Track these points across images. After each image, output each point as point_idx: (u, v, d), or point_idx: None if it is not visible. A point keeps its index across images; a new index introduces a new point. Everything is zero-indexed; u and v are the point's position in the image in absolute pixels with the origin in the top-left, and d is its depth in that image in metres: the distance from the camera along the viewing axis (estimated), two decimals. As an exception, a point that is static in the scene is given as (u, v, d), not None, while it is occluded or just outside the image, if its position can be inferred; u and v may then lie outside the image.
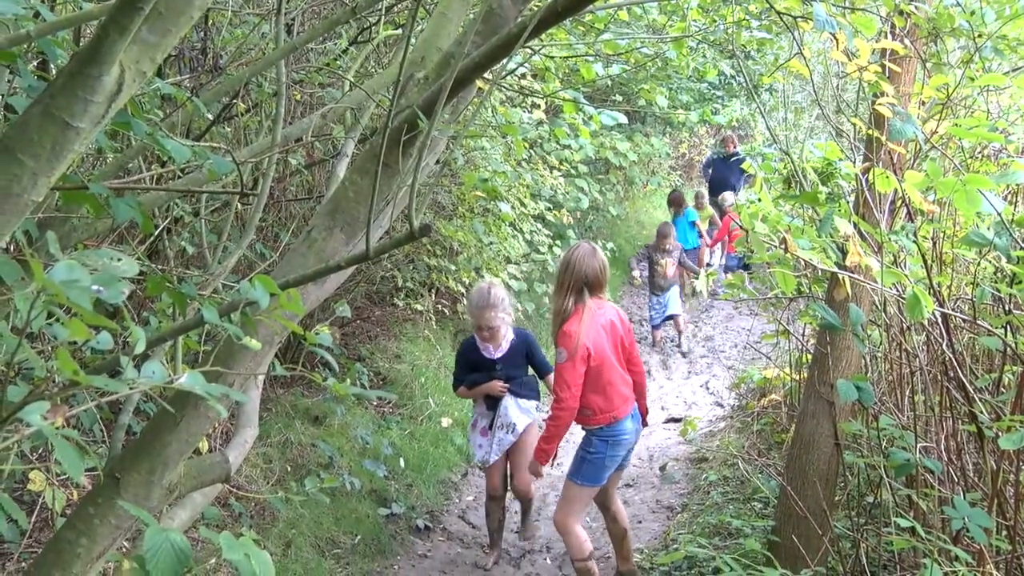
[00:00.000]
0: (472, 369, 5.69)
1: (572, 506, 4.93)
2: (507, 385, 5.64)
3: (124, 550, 3.83)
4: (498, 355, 5.66)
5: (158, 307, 3.73)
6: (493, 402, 5.71)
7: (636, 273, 11.96)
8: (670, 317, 11.03)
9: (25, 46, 2.54)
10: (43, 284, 1.38)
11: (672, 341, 11.35)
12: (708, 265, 13.46)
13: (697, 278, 10.44)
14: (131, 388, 1.67)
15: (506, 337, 5.68)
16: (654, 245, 11.09)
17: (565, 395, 4.73)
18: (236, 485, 5.25)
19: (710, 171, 14.42)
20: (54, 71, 3.65)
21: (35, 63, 3.40)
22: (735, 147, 14.22)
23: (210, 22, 5.14)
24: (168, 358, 2.86)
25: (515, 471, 5.74)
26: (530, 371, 5.85)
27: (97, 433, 4.39)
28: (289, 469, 5.90)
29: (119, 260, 1.54)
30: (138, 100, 3.25)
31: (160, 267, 4.40)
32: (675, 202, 12.72)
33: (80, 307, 1.39)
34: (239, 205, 5.19)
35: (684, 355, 10.86)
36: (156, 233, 4.52)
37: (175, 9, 1.64)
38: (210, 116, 4.60)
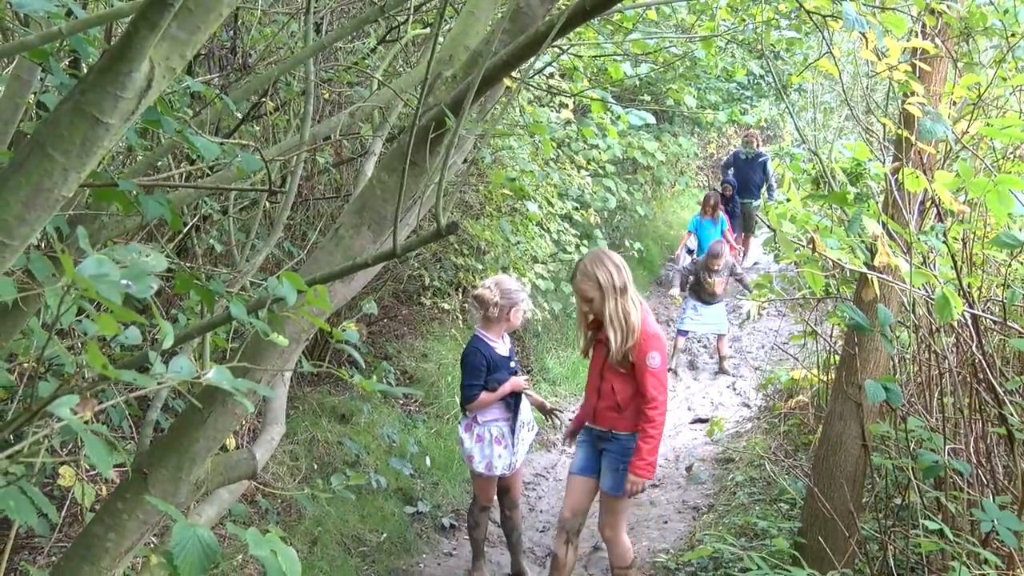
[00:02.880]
0: (490, 370, 5.18)
1: (620, 518, 4.82)
2: (530, 378, 5.33)
3: (151, 545, 3.86)
4: (507, 351, 5.31)
5: (186, 304, 3.76)
6: (510, 403, 5.24)
7: (676, 291, 10.62)
8: (684, 333, 10.28)
9: (57, 44, 2.56)
10: (73, 278, 1.40)
11: (701, 355, 10.63)
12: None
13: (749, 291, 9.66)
14: (159, 383, 1.69)
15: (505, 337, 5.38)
16: (703, 264, 10.09)
17: (663, 398, 4.58)
18: (263, 482, 5.27)
19: (730, 172, 14.02)
20: (85, 69, 3.68)
21: (67, 61, 3.42)
22: (758, 145, 13.89)
23: (239, 21, 5.16)
24: (196, 355, 2.88)
25: (514, 480, 5.40)
26: None
27: (125, 429, 4.43)
28: (315, 467, 5.93)
29: (148, 256, 1.55)
30: (168, 98, 3.27)
31: (189, 265, 4.43)
32: (714, 206, 11.91)
33: (109, 302, 1.40)
34: (267, 203, 5.21)
35: (725, 373, 10.11)
36: (185, 231, 4.55)
37: (205, 6, 1.64)
38: (239, 114, 4.62)
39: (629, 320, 4.58)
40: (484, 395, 5.14)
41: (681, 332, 10.28)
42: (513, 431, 5.25)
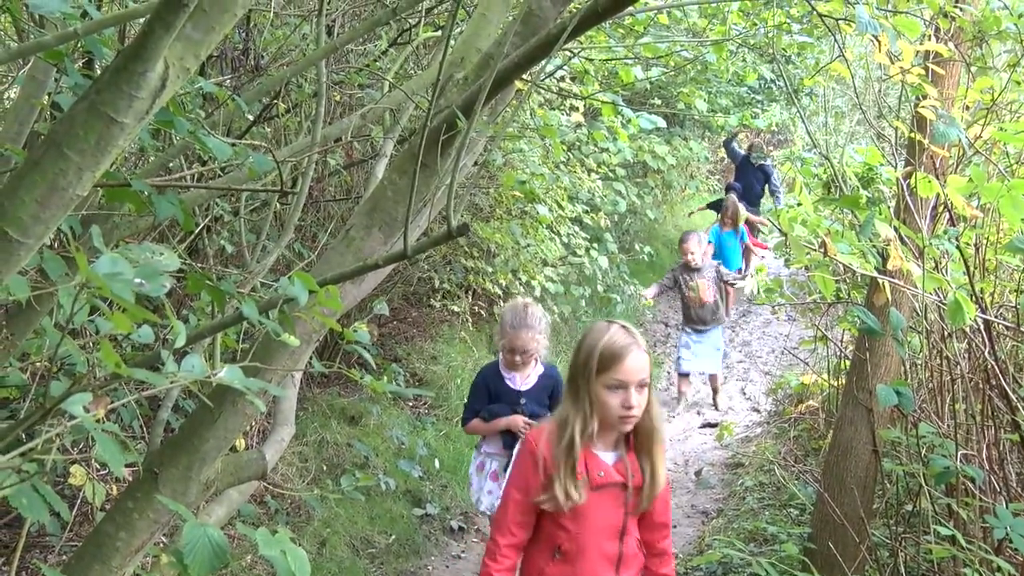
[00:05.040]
0: (492, 399, 4.82)
1: None
2: (531, 422, 4.65)
3: (161, 545, 3.87)
4: (524, 387, 4.82)
5: (197, 305, 3.77)
6: (510, 441, 4.77)
7: (649, 292, 9.04)
8: (686, 374, 8.94)
9: (72, 44, 2.57)
10: (88, 276, 1.40)
11: (689, 398, 9.18)
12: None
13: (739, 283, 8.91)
14: (171, 382, 1.69)
15: (535, 369, 4.87)
16: (681, 266, 8.82)
17: None
18: (272, 483, 5.28)
19: (735, 167, 13.63)
20: (99, 70, 3.69)
21: (81, 62, 3.44)
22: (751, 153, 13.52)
23: (252, 23, 5.18)
24: (206, 356, 2.88)
25: None
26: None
27: (136, 429, 4.44)
28: (325, 468, 5.94)
29: (161, 255, 1.55)
30: (180, 99, 3.28)
31: (200, 265, 4.44)
32: (733, 216, 11.32)
33: (123, 300, 1.41)
34: (278, 205, 5.22)
35: (718, 408, 8.95)
36: (196, 232, 4.56)
37: (219, 7, 1.65)
38: (250, 116, 4.63)
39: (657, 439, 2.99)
40: (476, 422, 4.86)
41: (682, 374, 8.97)
42: (505, 470, 4.72)
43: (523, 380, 4.83)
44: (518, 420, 4.73)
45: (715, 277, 8.73)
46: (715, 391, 9.08)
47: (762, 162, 13.46)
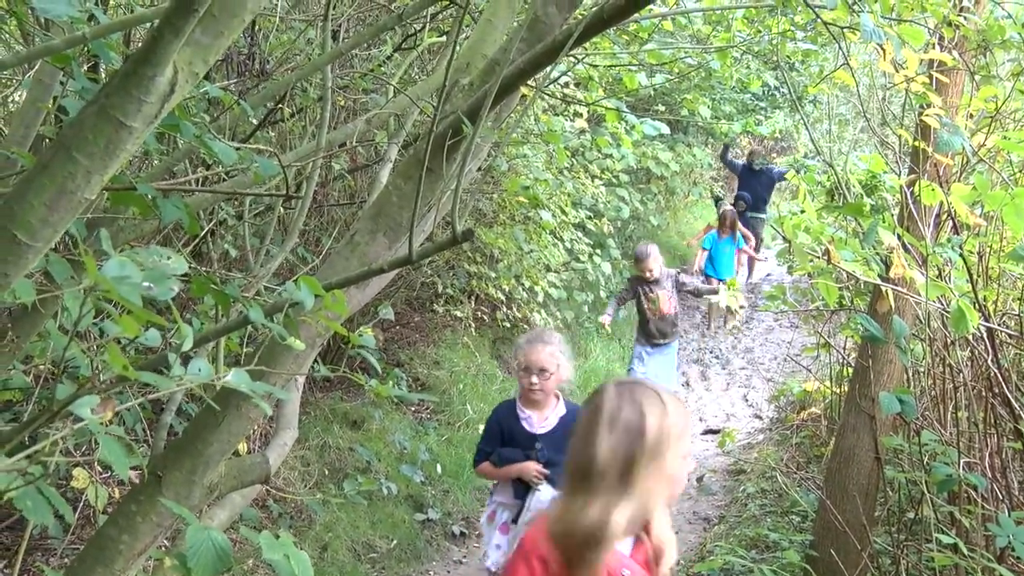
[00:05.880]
0: (505, 442, 4.32)
1: None
2: (546, 471, 4.19)
3: (164, 548, 3.87)
4: (541, 429, 4.28)
5: (201, 309, 3.78)
6: (523, 490, 4.27)
7: (606, 318, 8.22)
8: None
9: (79, 48, 2.58)
10: (96, 280, 1.41)
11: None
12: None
13: (714, 295, 8.01)
14: (178, 384, 1.70)
15: (554, 409, 4.33)
16: (637, 276, 8.11)
17: None
18: (274, 487, 5.28)
19: (738, 177, 13.55)
20: (104, 73, 3.71)
21: (87, 66, 3.45)
22: (754, 160, 13.47)
23: (257, 27, 5.19)
24: (210, 360, 2.89)
25: None
26: None
27: (139, 432, 4.45)
28: (327, 472, 5.94)
29: (168, 258, 1.56)
30: (185, 103, 3.29)
31: (204, 269, 4.45)
32: (731, 224, 11.38)
33: (131, 303, 1.41)
34: (282, 209, 5.23)
35: None
36: (200, 235, 4.57)
37: (228, 12, 1.66)
38: (255, 120, 4.65)
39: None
40: (485, 466, 4.37)
41: None
42: (515, 521, 4.31)
43: (540, 421, 4.30)
44: (530, 468, 4.20)
45: (673, 286, 8.07)
46: None
47: (764, 166, 13.45)
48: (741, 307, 8.03)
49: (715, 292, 7.93)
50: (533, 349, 4.23)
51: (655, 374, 7.87)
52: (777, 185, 13.48)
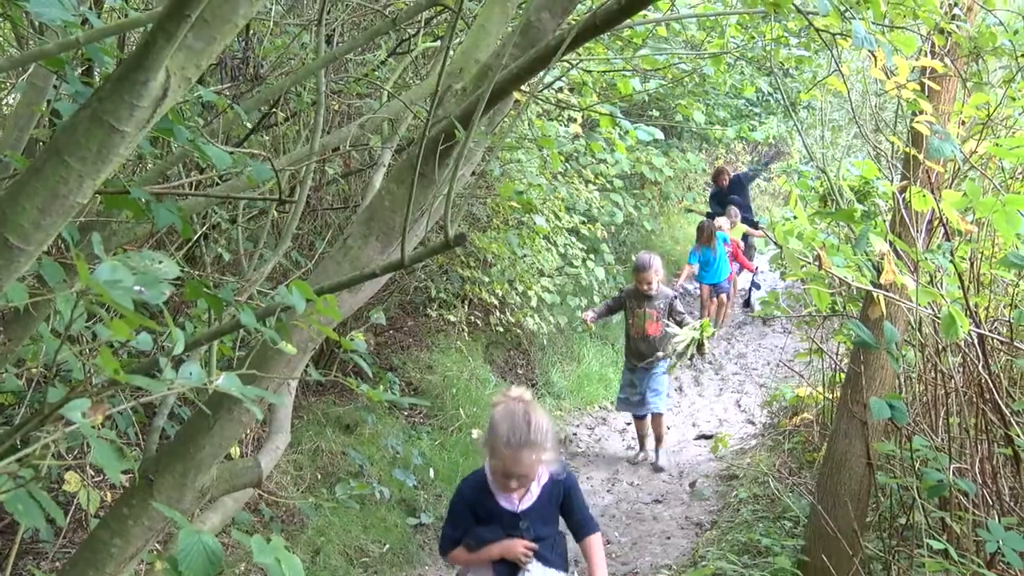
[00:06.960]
0: (480, 521, 3.57)
1: None
2: (534, 546, 3.53)
3: (156, 552, 3.87)
4: (524, 506, 3.56)
5: (194, 312, 3.78)
6: (507, 571, 3.54)
7: (589, 315, 7.70)
8: (642, 416, 7.63)
9: (73, 52, 2.58)
10: (88, 283, 1.41)
11: (635, 450, 7.93)
12: (750, 287, 13.14)
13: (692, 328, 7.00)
14: (169, 388, 1.70)
15: (538, 478, 3.58)
16: (631, 289, 7.55)
17: None
18: (267, 491, 5.28)
19: (719, 197, 13.56)
20: (98, 77, 3.71)
21: (80, 70, 3.45)
22: (726, 181, 13.49)
23: (251, 32, 5.19)
24: (202, 363, 2.89)
25: None
26: (561, 525, 3.73)
27: (132, 436, 4.45)
28: (319, 476, 5.94)
29: (160, 262, 1.56)
30: (179, 107, 3.30)
31: (197, 273, 4.45)
32: (708, 235, 11.40)
33: (123, 307, 1.42)
34: (276, 213, 5.23)
35: (657, 471, 7.47)
36: (194, 239, 4.56)
37: (220, 17, 1.66)
38: (249, 124, 4.65)
39: None
40: (458, 552, 3.59)
41: (637, 417, 7.73)
42: None
43: (522, 495, 3.57)
44: (517, 546, 3.51)
45: (665, 309, 7.38)
46: (658, 440, 7.67)
47: (733, 175, 13.62)
48: (702, 352, 7.09)
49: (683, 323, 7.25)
50: (518, 458, 3.38)
51: (637, 399, 7.53)
52: (750, 186, 13.65)
